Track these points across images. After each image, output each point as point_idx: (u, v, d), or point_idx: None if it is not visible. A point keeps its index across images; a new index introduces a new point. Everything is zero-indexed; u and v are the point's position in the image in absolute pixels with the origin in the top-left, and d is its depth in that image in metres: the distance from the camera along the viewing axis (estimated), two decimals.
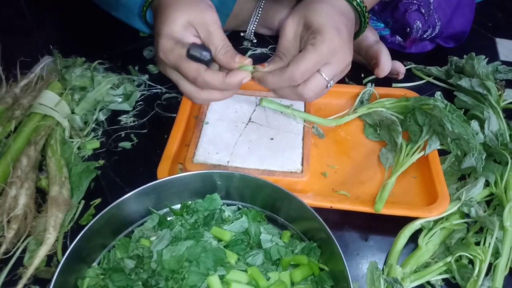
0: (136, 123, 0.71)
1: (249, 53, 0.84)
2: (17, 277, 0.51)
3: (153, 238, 0.51)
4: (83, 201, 0.59)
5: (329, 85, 0.57)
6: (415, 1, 0.74)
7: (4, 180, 0.57)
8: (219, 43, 0.56)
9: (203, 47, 0.56)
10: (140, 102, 0.74)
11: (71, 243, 0.47)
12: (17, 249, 0.53)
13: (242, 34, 0.87)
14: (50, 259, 0.53)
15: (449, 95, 0.75)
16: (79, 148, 0.66)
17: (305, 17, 0.57)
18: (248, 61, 0.56)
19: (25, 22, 0.97)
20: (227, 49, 0.56)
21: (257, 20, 0.81)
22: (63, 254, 0.53)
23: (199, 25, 0.56)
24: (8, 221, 0.53)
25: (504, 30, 0.93)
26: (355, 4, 0.59)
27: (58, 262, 0.52)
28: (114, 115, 0.72)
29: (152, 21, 0.65)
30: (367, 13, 0.61)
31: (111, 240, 0.53)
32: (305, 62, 0.54)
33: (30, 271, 0.50)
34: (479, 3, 0.93)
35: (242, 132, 0.65)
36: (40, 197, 0.59)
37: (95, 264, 0.51)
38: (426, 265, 0.53)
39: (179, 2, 0.57)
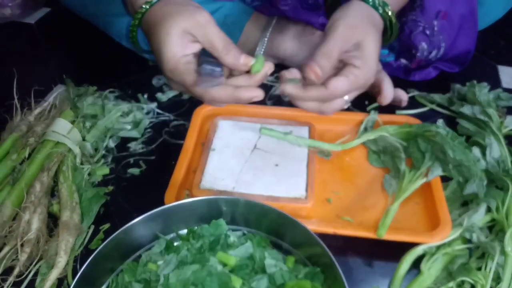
0: (144, 149, 0.73)
1: None
2: None
3: (160, 263, 0.53)
4: (92, 226, 0.61)
5: (347, 98, 0.59)
6: (419, 23, 0.76)
7: (18, 205, 0.59)
8: (219, 43, 0.55)
9: (213, 63, 0.55)
10: (149, 129, 0.77)
11: (81, 267, 0.49)
12: (30, 272, 0.55)
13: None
14: (60, 282, 0.55)
15: (451, 122, 0.76)
16: (89, 174, 0.68)
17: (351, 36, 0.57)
18: (250, 60, 0.56)
19: (39, 51, 1.02)
20: (229, 49, 0.55)
21: (263, 49, 0.84)
22: (73, 278, 0.55)
23: (193, 28, 0.54)
24: (22, 245, 0.55)
25: (506, 57, 0.95)
26: (387, 21, 0.61)
27: (69, 285, 0.54)
28: (124, 142, 0.75)
29: (145, 45, 0.66)
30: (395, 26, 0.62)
31: (119, 264, 0.55)
32: (346, 85, 0.56)
33: None
34: (481, 31, 0.95)
35: (248, 159, 0.67)
36: (52, 221, 0.61)
37: (104, 287, 0.53)
38: None
39: (167, 14, 0.56)
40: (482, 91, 0.77)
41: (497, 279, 0.54)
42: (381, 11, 0.60)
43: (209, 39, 0.55)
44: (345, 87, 0.56)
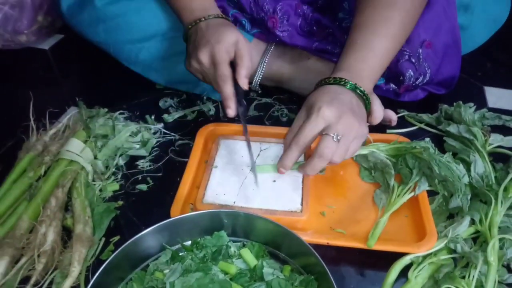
0: (152, 167, 0.78)
1: (255, 102, 0.92)
2: None
3: (166, 271, 0.57)
4: (103, 238, 0.66)
5: (335, 139, 0.62)
6: (405, 52, 0.81)
7: (35, 218, 0.64)
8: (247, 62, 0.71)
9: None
10: (156, 148, 0.82)
11: (92, 276, 0.53)
12: (45, 281, 0.59)
13: (249, 85, 0.95)
14: None
15: (439, 140, 0.81)
16: (100, 190, 0.72)
17: (305, 104, 0.66)
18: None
19: (53, 75, 1.07)
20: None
21: (262, 73, 0.90)
22: (85, 286, 0.59)
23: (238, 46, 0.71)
24: (38, 255, 0.59)
25: (492, 79, 1.00)
26: (358, 91, 0.67)
27: None
28: (132, 160, 0.79)
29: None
30: (368, 99, 0.69)
31: (129, 273, 0.59)
32: (304, 127, 0.63)
33: None
34: (469, 54, 1.01)
35: (248, 175, 0.72)
36: (66, 234, 0.65)
37: None
38: None
39: (227, 24, 0.75)
40: (468, 111, 0.82)
41: (480, 287, 0.58)
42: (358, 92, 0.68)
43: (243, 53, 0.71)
44: (303, 126, 0.64)
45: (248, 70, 0.72)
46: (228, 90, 0.69)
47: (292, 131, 0.66)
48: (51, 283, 0.60)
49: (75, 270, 0.59)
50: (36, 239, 0.61)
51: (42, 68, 1.09)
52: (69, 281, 0.58)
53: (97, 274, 0.53)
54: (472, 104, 0.86)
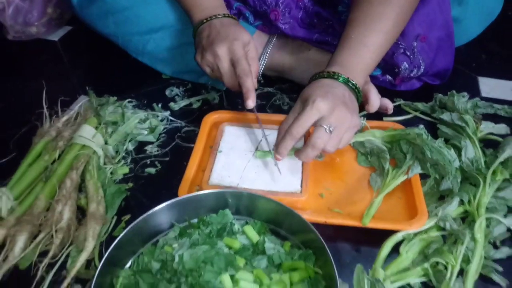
0: (159, 152, 0.83)
1: (257, 92, 0.96)
2: (62, 278, 0.61)
3: (175, 245, 0.61)
4: (115, 217, 0.70)
5: (327, 130, 0.65)
6: (401, 46, 0.85)
7: (51, 198, 0.68)
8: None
9: None
10: (163, 134, 0.86)
11: (106, 251, 0.57)
12: (62, 255, 0.64)
13: None
14: (89, 263, 0.63)
15: (433, 128, 0.85)
16: (111, 173, 0.77)
17: (301, 97, 0.70)
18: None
19: (62, 66, 1.11)
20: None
21: (264, 64, 0.94)
22: (99, 260, 0.63)
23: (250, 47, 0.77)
24: (56, 231, 0.64)
25: (486, 69, 1.03)
26: (350, 85, 0.71)
27: (96, 266, 0.63)
28: (141, 146, 0.84)
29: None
30: (360, 93, 0.73)
31: (140, 248, 0.63)
32: (298, 118, 0.67)
33: (73, 273, 0.60)
34: (464, 45, 1.04)
35: (250, 159, 0.76)
36: (80, 213, 0.70)
37: (126, 267, 0.61)
38: (406, 270, 0.61)
39: (238, 24, 0.80)
40: (461, 100, 0.86)
41: (467, 261, 0.62)
42: (350, 85, 0.71)
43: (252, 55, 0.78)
44: (299, 117, 0.67)
45: (257, 73, 0.77)
46: (249, 83, 0.73)
47: (287, 122, 0.69)
48: (67, 257, 0.64)
49: (90, 244, 0.63)
50: (53, 217, 0.65)
51: (52, 59, 1.13)
52: (84, 255, 0.62)
53: (110, 248, 0.57)
54: (465, 93, 0.89)
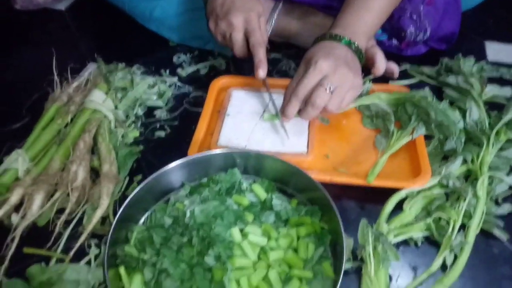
0: (168, 116, 0.84)
1: None
2: (78, 234, 0.64)
3: (186, 202, 0.64)
4: (127, 177, 0.72)
5: (328, 90, 0.67)
6: (407, 9, 0.85)
7: (66, 159, 0.71)
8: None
9: None
10: (172, 100, 0.87)
11: (120, 207, 0.60)
12: (78, 213, 0.66)
13: None
14: (104, 220, 0.66)
15: (438, 92, 0.86)
16: (122, 136, 0.78)
17: (304, 59, 0.71)
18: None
19: (70, 34, 1.12)
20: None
21: (270, 30, 0.94)
22: (114, 217, 0.66)
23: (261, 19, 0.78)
24: (71, 189, 0.66)
25: (493, 34, 1.03)
26: (353, 47, 0.72)
27: (111, 222, 0.65)
28: (150, 110, 0.85)
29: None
30: (362, 54, 0.74)
31: (152, 206, 0.66)
32: (302, 80, 0.68)
33: (89, 228, 0.63)
34: (471, 10, 1.04)
35: (258, 122, 0.77)
36: (94, 174, 0.72)
37: (140, 223, 0.64)
38: (409, 225, 0.63)
39: None
40: (467, 63, 0.86)
41: (469, 217, 0.64)
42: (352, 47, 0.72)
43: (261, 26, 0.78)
44: (303, 79, 0.68)
45: (265, 45, 0.78)
46: (261, 54, 0.75)
47: (291, 84, 0.71)
48: (83, 214, 0.67)
49: (105, 202, 0.66)
50: (68, 176, 0.68)
51: (60, 28, 1.13)
52: (99, 212, 0.65)
53: (124, 204, 0.59)
54: (472, 57, 0.89)
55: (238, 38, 0.77)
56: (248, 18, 0.75)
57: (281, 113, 0.73)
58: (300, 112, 0.71)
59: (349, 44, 0.72)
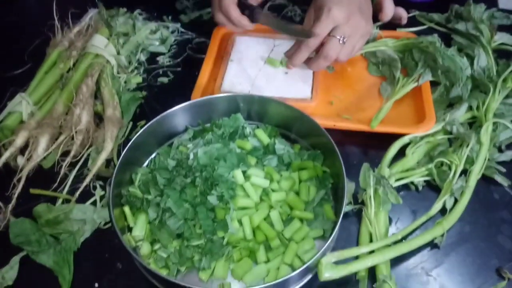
0: (171, 62, 0.83)
1: (269, 3, 0.94)
2: (84, 176, 0.65)
3: (189, 145, 0.64)
4: (131, 122, 0.72)
5: (341, 41, 0.65)
6: None
7: (69, 103, 0.71)
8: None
9: None
10: (174, 46, 0.86)
11: (123, 150, 0.60)
12: (82, 155, 0.67)
13: None
14: (108, 163, 0.67)
15: (447, 39, 0.83)
16: (125, 82, 0.78)
17: (313, 5, 0.69)
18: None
19: None
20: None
21: None
22: (118, 159, 0.66)
23: None
24: (76, 132, 0.66)
25: None
26: None
27: (115, 165, 0.66)
28: (153, 56, 0.84)
29: None
30: None
31: (155, 149, 0.66)
32: (313, 28, 0.66)
33: (94, 170, 0.64)
34: None
35: (262, 67, 0.76)
36: (97, 119, 0.72)
37: (144, 166, 0.65)
38: (411, 169, 0.64)
39: None
40: (477, 9, 0.84)
41: (471, 162, 0.64)
42: None
43: None
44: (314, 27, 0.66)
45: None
46: (235, 14, 0.73)
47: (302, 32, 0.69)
48: (88, 156, 0.67)
49: (109, 145, 0.66)
50: (72, 119, 0.68)
51: None
52: (104, 154, 0.66)
53: (128, 146, 0.59)
54: (482, 4, 0.87)
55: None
56: None
57: (288, 60, 0.71)
58: (309, 62, 0.70)
59: None
